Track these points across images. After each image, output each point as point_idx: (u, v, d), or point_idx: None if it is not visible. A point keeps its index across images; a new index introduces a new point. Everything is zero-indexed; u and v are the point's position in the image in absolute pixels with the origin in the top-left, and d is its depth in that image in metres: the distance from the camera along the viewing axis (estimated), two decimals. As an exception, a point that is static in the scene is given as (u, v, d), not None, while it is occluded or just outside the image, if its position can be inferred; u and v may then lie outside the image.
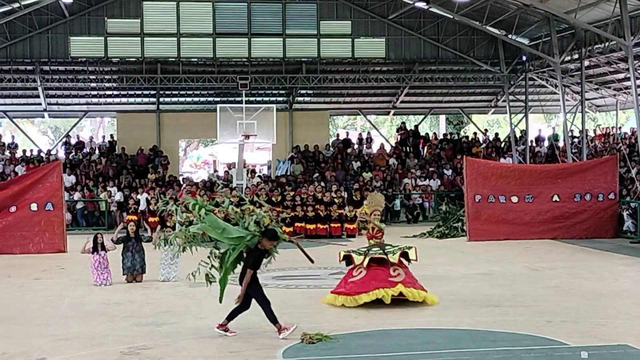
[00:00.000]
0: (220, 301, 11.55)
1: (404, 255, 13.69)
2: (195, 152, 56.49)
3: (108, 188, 29.67)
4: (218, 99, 34.07)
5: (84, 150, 34.09)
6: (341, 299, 13.40)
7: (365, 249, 13.77)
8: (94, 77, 33.17)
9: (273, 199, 26.12)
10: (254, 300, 11.33)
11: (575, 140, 34.48)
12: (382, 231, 13.99)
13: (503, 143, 36.20)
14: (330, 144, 35.37)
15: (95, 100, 35.28)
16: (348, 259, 13.98)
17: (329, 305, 13.57)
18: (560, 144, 34.93)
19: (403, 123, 38.87)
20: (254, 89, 33.40)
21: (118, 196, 29.01)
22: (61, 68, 32.63)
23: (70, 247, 22.42)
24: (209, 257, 11.56)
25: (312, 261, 11.82)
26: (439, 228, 25.62)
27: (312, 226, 25.59)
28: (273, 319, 11.26)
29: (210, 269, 11.49)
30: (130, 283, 16.38)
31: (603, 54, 29.72)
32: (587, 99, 34.27)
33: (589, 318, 12.30)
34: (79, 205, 28.97)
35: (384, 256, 13.49)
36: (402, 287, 13.23)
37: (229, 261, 11.42)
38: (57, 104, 35.24)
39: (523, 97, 34.81)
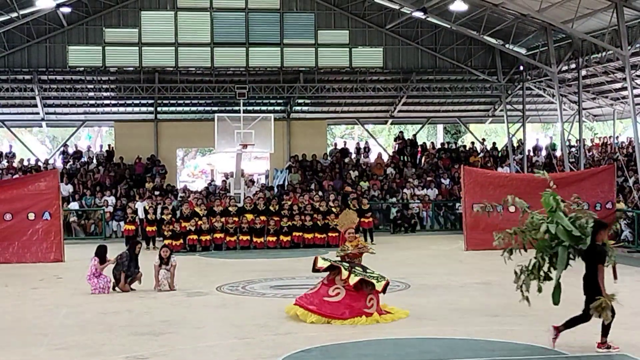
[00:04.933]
0: (557, 302, 11.03)
1: (366, 283, 12.97)
2: (193, 161, 56.48)
3: (105, 197, 29.72)
4: (216, 108, 34.08)
5: (82, 160, 34.09)
6: (314, 317, 12.77)
7: (348, 265, 13.09)
8: (91, 86, 33.20)
9: (271, 207, 26.14)
10: None
11: (573, 149, 34.52)
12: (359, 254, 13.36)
13: (500, 152, 36.21)
14: (327, 153, 35.37)
15: (93, 109, 35.29)
16: (331, 269, 13.18)
17: (296, 318, 12.97)
18: (558, 153, 34.97)
19: (401, 132, 38.93)
20: (252, 98, 33.41)
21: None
22: (59, 77, 32.66)
23: (68, 257, 22.45)
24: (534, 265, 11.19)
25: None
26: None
27: (309, 235, 25.57)
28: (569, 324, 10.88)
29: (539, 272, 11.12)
30: (126, 292, 16.36)
31: (600, 63, 29.79)
32: (584, 109, 34.39)
33: (587, 328, 12.26)
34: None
35: (369, 280, 12.94)
36: (378, 317, 12.92)
37: (560, 262, 10.93)
38: (54, 113, 35.24)
39: (520, 107, 34.87)
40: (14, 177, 30.23)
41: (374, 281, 12.99)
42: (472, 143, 37.54)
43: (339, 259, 13.34)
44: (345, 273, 12.93)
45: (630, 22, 25.73)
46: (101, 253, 16.66)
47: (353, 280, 12.87)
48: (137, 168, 33.01)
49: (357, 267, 13.14)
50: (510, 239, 11.44)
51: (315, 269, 13.34)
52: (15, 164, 33.04)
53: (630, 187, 27.11)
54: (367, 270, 13.21)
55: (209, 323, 13.11)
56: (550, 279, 11.12)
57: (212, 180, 37.93)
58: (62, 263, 21.94)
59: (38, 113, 34.70)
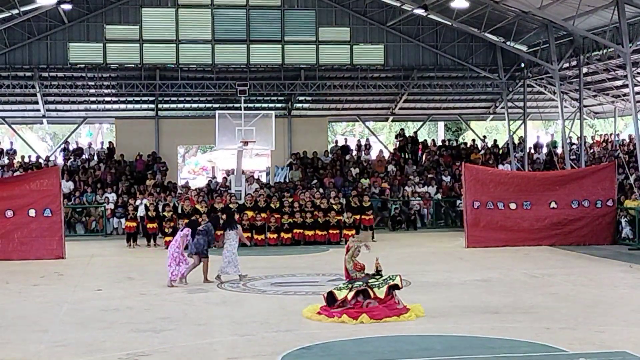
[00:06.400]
0: None
1: (392, 287, 13.13)
2: (194, 158, 56.53)
3: (106, 194, 29.74)
4: (217, 105, 34.08)
5: (83, 157, 34.10)
6: (364, 318, 12.63)
7: (362, 282, 13.20)
8: (92, 83, 33.19)
9: (272, 205, 26.14)
10: None
11: (574, 147, 34.50)
12: (363, 266, 13.48)
13: (501, 150, 36.22)
14: (328, 151, 35.37)
15: (94, 106, 35.29)
16: (331, 297, 13.21)
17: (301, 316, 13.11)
18: (559, 150, 34.96)
19: (402, 129, 38.92)
20: (253, 95, 33.39)
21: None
22: (60, 74, 32.62)
23: (69, 254, 22.45)
24: None
25: None
26: None
27: (310, 232, 25.56)
28: None
29: None
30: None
31: (601, 61, 29.77)
32: (585, 106, 34.34)
33: (588, 325, 12.30)
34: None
35: (390, 283, 13.09)
36: (416, 311, 13.11)
37: None
38: (55, 110, 35.25)
39: (521, 104, 34.84)
40: (15, 174, 30.25)
41: (392, 282, 13.14)
42: (473, 140, 37.52)
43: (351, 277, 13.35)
44: (371, 292, 13.01)
45: (631, 20, 25.70)
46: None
47: (382, 293, 12.99)
48: (138, 165, 33.01)
49: (369, 281, 13.19)
50: None
51: (336, 301, 13.10)
52: (16, 161, 33.04)
53: (631, 185, 27.09)
54: (370, 281, 13.20)
55: (209, 320, 13.12)
56: None
57: (213, 177, 37.94)
58: (63, 260, 21.93)
59: (39, 110, 34.71)
